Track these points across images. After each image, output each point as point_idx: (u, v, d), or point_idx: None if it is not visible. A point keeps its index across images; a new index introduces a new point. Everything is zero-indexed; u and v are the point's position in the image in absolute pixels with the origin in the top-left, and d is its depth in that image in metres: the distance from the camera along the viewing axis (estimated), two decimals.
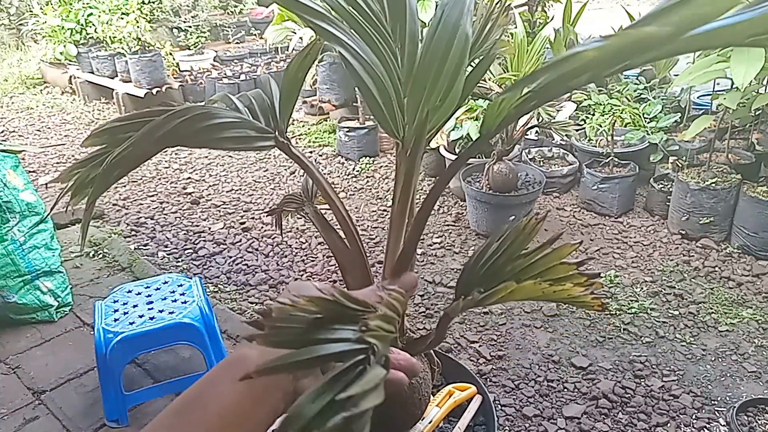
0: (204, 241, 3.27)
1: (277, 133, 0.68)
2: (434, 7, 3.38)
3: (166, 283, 2.14)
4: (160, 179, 4.14)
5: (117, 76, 5.75)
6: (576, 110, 3.85)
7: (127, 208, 3.70)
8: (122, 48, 5.52)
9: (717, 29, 0.34)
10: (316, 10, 0.56)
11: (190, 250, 3.18)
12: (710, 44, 0.36)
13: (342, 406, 0.32)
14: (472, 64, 0.76)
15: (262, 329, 0.36)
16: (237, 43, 7.36)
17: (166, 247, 3.23)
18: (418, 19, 0.65)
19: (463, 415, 1.28)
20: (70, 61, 6.09)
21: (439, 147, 3.61)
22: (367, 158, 4.28)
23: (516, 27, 3.07)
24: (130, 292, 2.09)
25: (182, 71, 6.25)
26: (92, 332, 2.10)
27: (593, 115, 3.60)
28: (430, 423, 1.19)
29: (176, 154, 4.56)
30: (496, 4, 0.77)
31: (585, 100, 3.72)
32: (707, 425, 1.96)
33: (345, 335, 0.37)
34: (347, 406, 0.32)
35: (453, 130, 3.32)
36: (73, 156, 4.61)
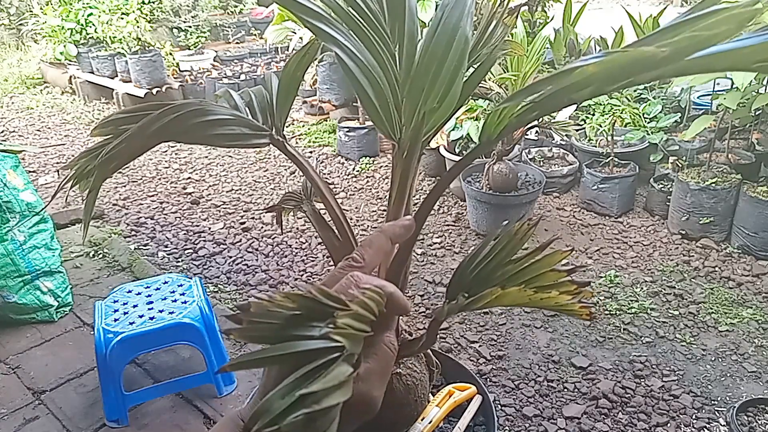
0: (204, 241, 3.27)
1: (273, 130, 0.68)
2: (434, 7, 3.39)
3: (166, 283, 2.14)
4: (160, 179, 4.14)
5: (117, 76, 5.75)
6: (576, 110, 3.85)
7: (127, 208, 3.70)
8: (122, 48, 5.52)
9: (722, 53, 0.34)
10: (313, 10, 0.56)
11: (190, 250, 3.18)
12: (714, 67, 0.36)
13: (303, 403, 0.33)
14: (473, 65, 0.76)
15: (240, 324, 0.37)
16: (237, 43, 7.36)
17: (166, 247, 3.23)
18: (417, 19, 0.65)
19: (463, 415, 1.28)
20: (70, 61, 6.09)
21: (439, 147, 3.61)
22: (367, 158, 4.28)
23: (516, 27, 3.07)
24: (130, 292, 2.09)
25: (182, 71, 6.25)
26: (92, 332, 2.10)
27: (593, 115, 3.60)
28: (429, 423, 1.19)
29: (176, 154, 4.57)
30: (499, 4, 0.77)
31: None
32: (707, 425, 1.96)
33: (318, 332, 0.37)
34: (308, 402, 0.32)
35: (453, 130, 3.32)
36: (73, 156, 4.61)
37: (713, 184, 2.93)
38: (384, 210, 3.64)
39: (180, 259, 3.10)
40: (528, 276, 0.61)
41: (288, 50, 6.14)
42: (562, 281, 0.60)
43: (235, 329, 0.37)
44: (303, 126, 5.11)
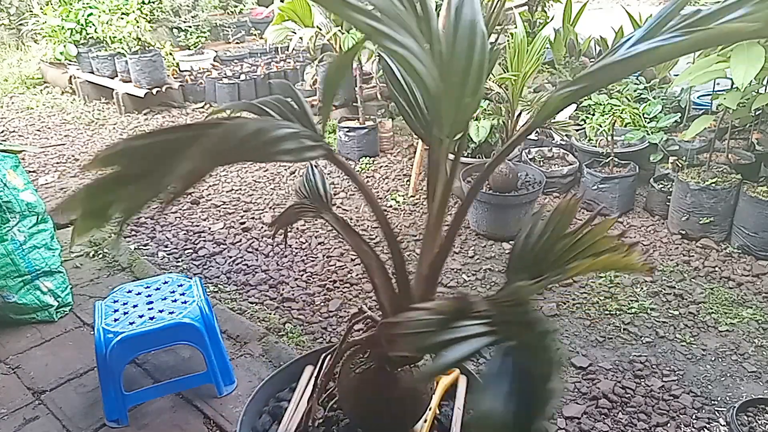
0: (204, 241, 3.27)
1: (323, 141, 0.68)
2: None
3: (166, 283, 2.14)
4: None
5: (117, 76, 5.75)
6: (576, 110, 3.85)
7: None
8: (122, 48, 5.51)
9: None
10: (365, 9, 0.54)
11: (190, 250, 3.18)
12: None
13: None
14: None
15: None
16: (237, 43, 7.35)
17: (166, 247, 3.23)
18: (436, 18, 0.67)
19: (456, 395, 1.31)
20: (70, 61, 6.08)
21: None
22: (367, 158, 4.28)
23: (516, 27, 3.07)
24: (130, 292, 2.09)
25: (182, 71, 6.25)
26: (92, 332, 2.10)
27: (593, 115, 3.60)
28: (429, 410, 1.22)
29: None
30: (497, 4, 0.79)
31: (585, 100, 3.72)
32: (707, 425, 1.96)
33: (474, 331, 0.42)
34: None
35: None
36: (73, 156, 4.60)
37: (713, 184, 2.93)
38: (384, 210, 3.63)
39: (180, 259, 3.10)
40: (585, 245, 0.66)
41: (288, 50, 6.13)
42: (616, 244, 0.65)
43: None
44: None
